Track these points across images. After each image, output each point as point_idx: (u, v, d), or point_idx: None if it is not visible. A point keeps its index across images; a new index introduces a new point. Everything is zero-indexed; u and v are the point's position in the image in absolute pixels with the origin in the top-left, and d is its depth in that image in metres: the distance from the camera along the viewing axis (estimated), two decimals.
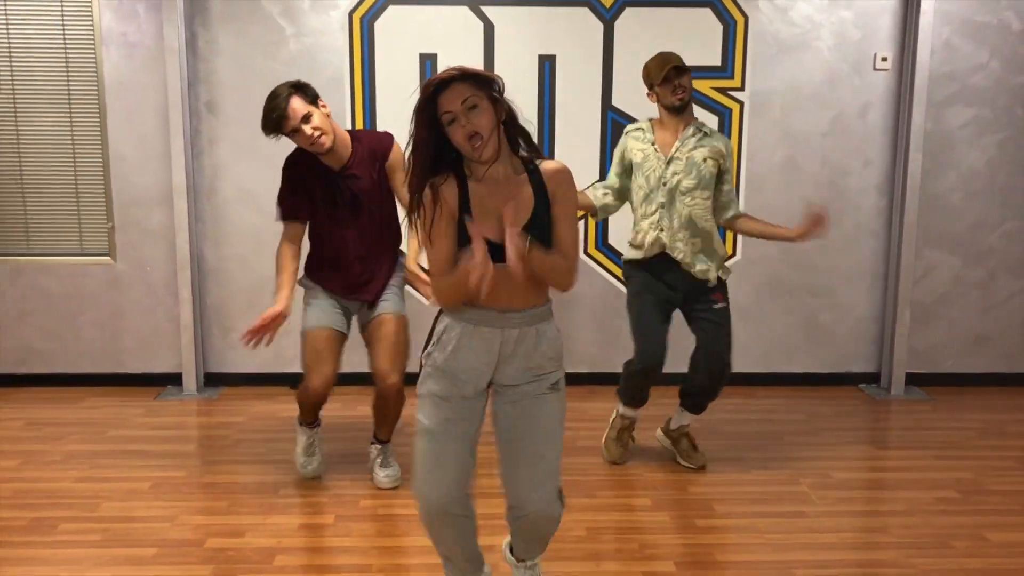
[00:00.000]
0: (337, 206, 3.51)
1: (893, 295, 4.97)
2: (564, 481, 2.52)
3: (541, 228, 2.32)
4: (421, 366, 2.47)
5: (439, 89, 2.25)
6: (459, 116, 2.23)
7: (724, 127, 4.85)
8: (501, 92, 2.29)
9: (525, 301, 2.36)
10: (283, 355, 4.77)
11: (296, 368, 4.94)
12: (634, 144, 3.71)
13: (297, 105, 3.33)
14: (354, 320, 3.69)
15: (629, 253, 3.80)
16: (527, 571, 2.69)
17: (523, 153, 2.37)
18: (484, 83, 2.27)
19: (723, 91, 4.83)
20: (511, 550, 2.72)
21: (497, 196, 2.30)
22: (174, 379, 4.97)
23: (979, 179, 4.97)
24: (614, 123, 4.80)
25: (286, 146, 3.52)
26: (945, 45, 4.82)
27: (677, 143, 3.64)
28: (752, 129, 4.87)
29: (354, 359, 3.86)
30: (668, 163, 3.63)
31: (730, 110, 4.84)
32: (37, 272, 4.89)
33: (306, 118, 3.34)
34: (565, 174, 2.38)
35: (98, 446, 4.13)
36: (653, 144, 3.67)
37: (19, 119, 4.77)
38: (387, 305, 3.59)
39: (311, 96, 3.40)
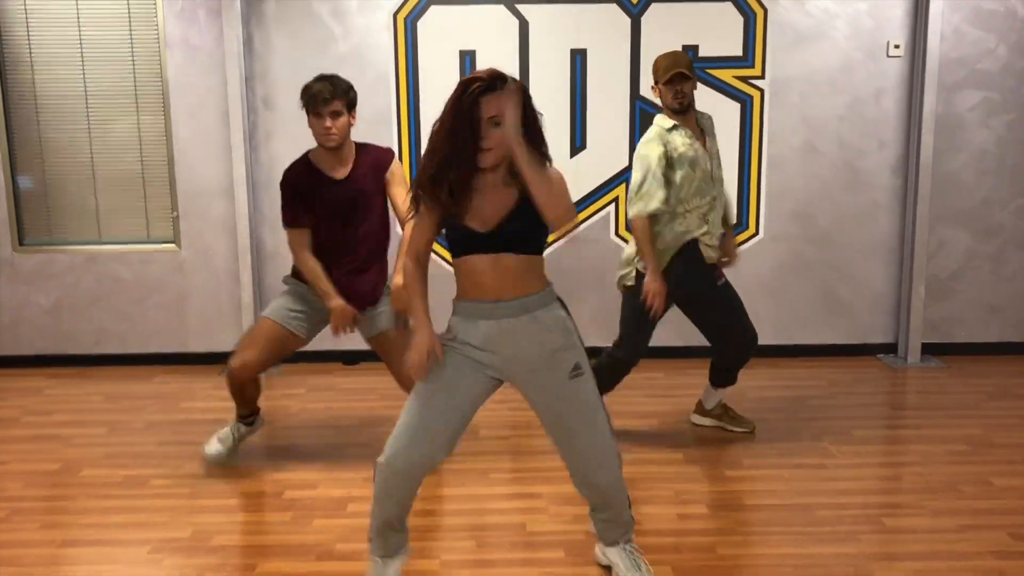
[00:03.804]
0: (335, 213, 3.71)
1: (908, 269, 5.25)
2: None
3: (523, 221, 2.49)
4: None
5: (486, 91, 2.40)
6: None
7: (746, 113, 5.15)
8: (531, 108, 2.46)
9: (516, 290, 2.53)
10: None
11: (349, 345, 5.32)
12: (679, 140, 3.73)
13: (338, 104, 3.59)
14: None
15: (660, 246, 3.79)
16: (628, 556, 2.84)
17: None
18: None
19: (744, 79, 5.13)
20: (601, 541, 2.89)
21: (487, 197, 2.50)
22: None
23: (989, 158, 5.23)
24: (642, 112, 5.12)
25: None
26: (954, 32, 5.09)
27: (708, 139, 3.85)
28: (772, 114, 5.17)
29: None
30: (712, 158, 3.82)
31: (751, 97, 5.15)
32: (109, 260, 5.28)
33: (334, 115, 3.60)
34: None
35: (174, 416, 4.51)
36: (693, 140, 3.75)
37: (91, 119, 5.15)
38: (385, 320, 3.83)
39: (351, 102, 3.66)
